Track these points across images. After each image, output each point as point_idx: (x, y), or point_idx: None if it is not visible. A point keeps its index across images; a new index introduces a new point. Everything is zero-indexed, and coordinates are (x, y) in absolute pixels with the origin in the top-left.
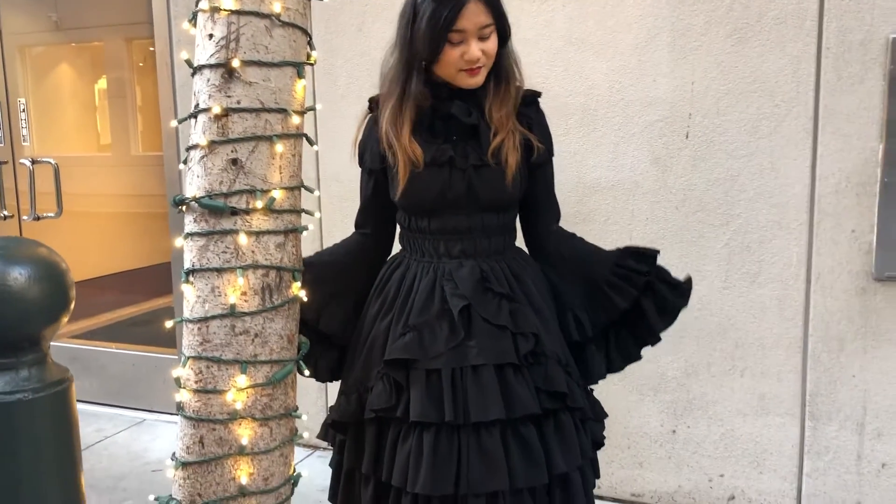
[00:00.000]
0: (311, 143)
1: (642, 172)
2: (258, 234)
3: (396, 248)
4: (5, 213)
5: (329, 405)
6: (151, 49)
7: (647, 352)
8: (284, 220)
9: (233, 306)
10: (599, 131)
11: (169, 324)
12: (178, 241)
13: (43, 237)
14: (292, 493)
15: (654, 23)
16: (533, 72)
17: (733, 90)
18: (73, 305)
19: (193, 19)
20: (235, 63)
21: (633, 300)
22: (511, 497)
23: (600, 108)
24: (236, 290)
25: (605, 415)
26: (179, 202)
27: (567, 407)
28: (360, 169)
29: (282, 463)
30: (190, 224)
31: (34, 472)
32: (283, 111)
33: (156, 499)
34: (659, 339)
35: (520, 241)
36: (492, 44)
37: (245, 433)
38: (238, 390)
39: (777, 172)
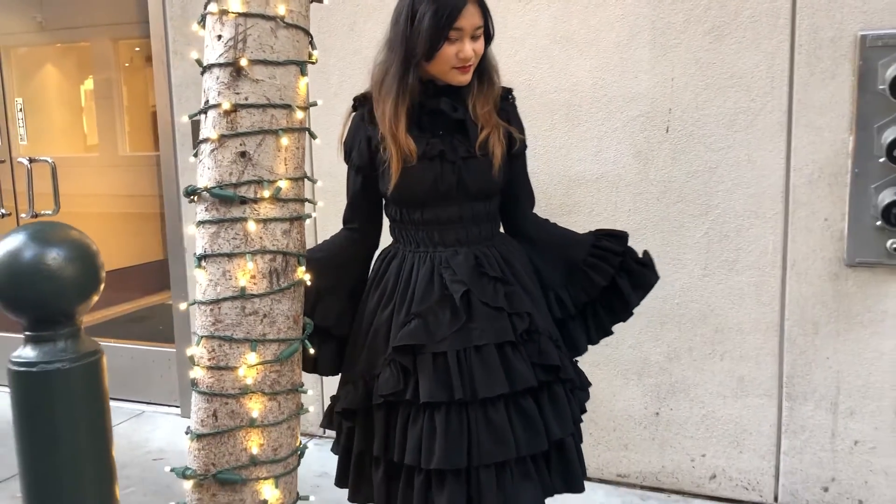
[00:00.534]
0: (313, 136)
1: (625, 165)
2: (266, 221)
3: (384, 241)
4: (3, 211)
5: (323, 400)
6: (137, 49)
7: (631, 337)
8: (290, 209)
9: (243, 289)
10: (583, 126)
11: (182, 306)
12: (191, 229)
13: None
14: (299, 463)
15: (635, 21)
16: (519, 69)
17: (711, 85)
18: (102, 285)
19: (202, 21)
20: (243, 62)
21: (611, 278)
22: (516, 465)
23: (584, 104)
24: (246, 274)
25: (590, 383)
26: (192, 192)
27: (559, 378)
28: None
29: (289, 435)
30: (202, 213)
31: (70, 434)
32: (287, 107)
33: (172, 469)
34: (631, 314)
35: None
36: (480, 44)
37: (255, 407)
38: (248, 367)
39: (753, 164)
